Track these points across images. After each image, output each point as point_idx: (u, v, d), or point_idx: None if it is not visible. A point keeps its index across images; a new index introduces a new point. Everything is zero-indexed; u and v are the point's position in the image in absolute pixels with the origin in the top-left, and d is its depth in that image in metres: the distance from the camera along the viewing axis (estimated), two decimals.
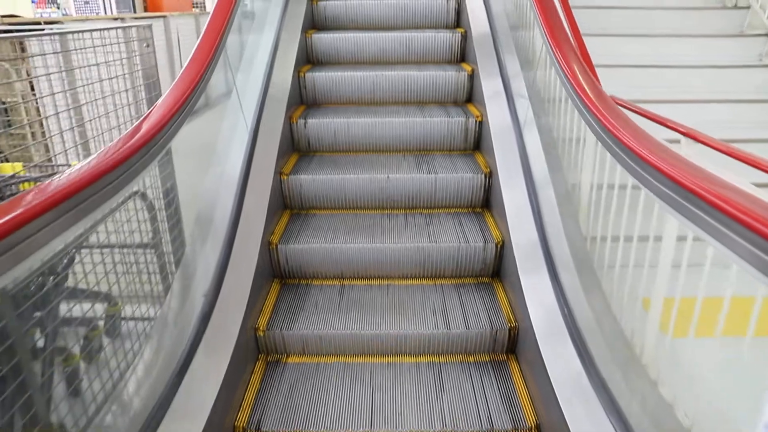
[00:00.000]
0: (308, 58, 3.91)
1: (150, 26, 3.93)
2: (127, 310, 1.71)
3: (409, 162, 3.12)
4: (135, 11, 8.26)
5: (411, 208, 3.01)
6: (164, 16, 6.40)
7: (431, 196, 2.98)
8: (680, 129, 2.27)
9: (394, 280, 2.69)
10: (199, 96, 1.99)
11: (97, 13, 7.55)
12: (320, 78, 3.57)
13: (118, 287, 1.62)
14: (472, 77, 3.57)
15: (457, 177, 2.93)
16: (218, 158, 2.60)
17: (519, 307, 2.29)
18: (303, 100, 3.63)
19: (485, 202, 3.00)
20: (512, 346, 2.35)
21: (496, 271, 2.69)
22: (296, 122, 3.24)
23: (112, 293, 1.62)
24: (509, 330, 2.30)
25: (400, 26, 4.14)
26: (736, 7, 4.62)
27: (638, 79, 4.02)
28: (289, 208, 3.01)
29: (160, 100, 1.79)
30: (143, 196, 1.77)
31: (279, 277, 2.69)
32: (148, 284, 1.81)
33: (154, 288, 1.86)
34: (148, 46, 3.80)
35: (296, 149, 3.33)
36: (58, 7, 7.92)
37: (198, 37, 2.45)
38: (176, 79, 1.95)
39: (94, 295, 1.50)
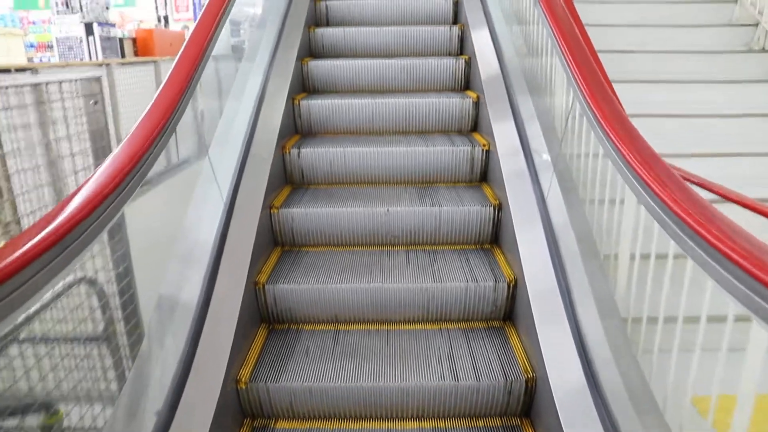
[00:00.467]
0: (304, 87, 3.72)
1: (99, 78, 3.56)
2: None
3: (410, 194, 2.88)
4: (123, 56, 8.12)
5: (413, 244, 2.76)
6: (154, 62, 6.23)
7: (435, 231, 2.72)
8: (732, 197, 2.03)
9: (394, 324, 2.41)
10: (152, 162, 1.62)
11: (81, 59, 7.36)
12: (316, 106, 3.36)
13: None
14: (478, 104, 3.36)
15: (463, 210, 2.69)
16: (200, 190, 2.36)
17: (535, 356, 2.01)
18: (298, 130, 3.42)
19: (494, 237, 2.74)
20: (527, 408, 2.05)
21: (508, 314, 2.41)
22: (289, 152, 3.02)
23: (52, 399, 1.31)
24: (526, 383, 2.01)
25: (401, 54, 3.96)
26: (764, 50, 4.30)
27: (663, 128, 3.50)
28: (279, 244, 2.75)
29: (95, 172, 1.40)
30: (91, 282, 1.48)
31: (266, 321, 2.42)
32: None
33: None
34: (96, 103, 3.33)
35: (289, 181, 3.10)
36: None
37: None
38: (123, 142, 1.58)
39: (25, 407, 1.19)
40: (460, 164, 3.05)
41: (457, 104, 3.35)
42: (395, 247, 2.73)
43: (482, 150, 3.02)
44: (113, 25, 9.11)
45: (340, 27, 4.04)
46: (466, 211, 2.69)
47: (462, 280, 2.37)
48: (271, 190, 2.75)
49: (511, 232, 2.43)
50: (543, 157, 2.57)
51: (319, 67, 3.68)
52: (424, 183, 3.10)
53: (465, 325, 2.41)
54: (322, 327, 2.40)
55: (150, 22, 14.56)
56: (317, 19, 4.30)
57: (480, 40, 3.59)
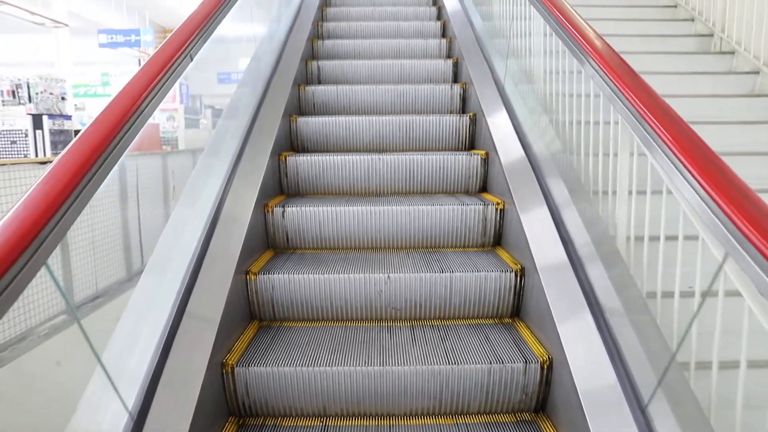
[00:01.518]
0: (292, 146, 3.36)
1: None
2: None
3: (414, 260, 2.45)
4: None
5: (419, 318, 2.29)
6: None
7: (445, 302, 2.26)
8: None
9: (398, 418, 1.90)
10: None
11: (26, 155, 6.51)
12: (305, 162, 2.98)
13: None
14: (486, 162, 2.99)
15: (478, 277, 2.24)
16: (160, 250, 1.92)
17: None
18: (284, 189, 3.02)
19: (515, 309, 2.28)
20: None
21: (541, 404, 1.91)
22: (272, 210, 2.60)
23: None
24: None
25: (399, 113, 3.65)
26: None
27: None
28: (256, 318, 2.27)
29: None
30: None
31: (236, 415, 1.90)
32: None
33: None
34: None
35: (271, 245, 2.66)
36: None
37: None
38: None
39: None
40: (470, 225, 2.63)
41: (463, 161, 2.99)
42: (397, 322, 2.26)
43: (496, 209, 2.62)
44: (68, 117, 8.28)
45: (332, 85, 3.74)
46: (481, 277, 2.24)
47: (483, 361, 1.89)
48: (249, 254, 2.31)
49: (541, 303, 1.98)
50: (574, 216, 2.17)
51: (308, 123, 3.34)
52: (429, 248, 2.67)
53: (488, 418, 1.90)
54: (306, 422, 1.88)
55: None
56: (308, 78, 4.03)
57: (485, 98, 3.28)
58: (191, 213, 2.16)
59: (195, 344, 1.72)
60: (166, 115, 14.31)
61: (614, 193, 1.84)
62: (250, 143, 2.77)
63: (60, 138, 7.11)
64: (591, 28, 2.06)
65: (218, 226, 2.20)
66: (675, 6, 5.10)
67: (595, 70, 1.88)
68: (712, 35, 4.49)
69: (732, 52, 4.17)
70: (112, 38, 12.15)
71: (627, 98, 1.66)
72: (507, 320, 2.27)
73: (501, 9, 3.46)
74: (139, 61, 14.39)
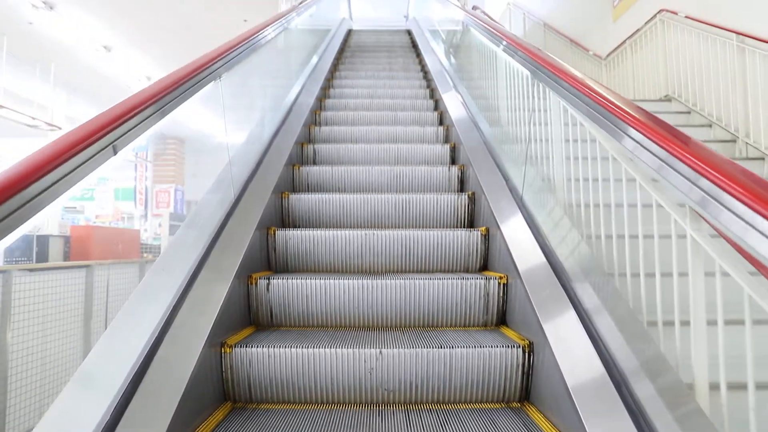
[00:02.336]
0: (283, 222, 3.20)
1: None
2: None
3: (409, 338, 2.21)
4: (34, 260, 6.42)
5: (415, 402, 2.01)
6: (87, 266, 4.95)
7: (445, 382, 2.00)
8: None
9: None
10: None
11: None
12: (295, 237, 2.81)
13: None
14: (487, 239, 2.82)
15: (481, 353, 2.00)
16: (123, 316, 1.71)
17: None
18: (271, 265, 2.83)
19: (525, 392, 2.01)
20: None
21: None
22: (256, 283, 2.39)
23: None
24: None
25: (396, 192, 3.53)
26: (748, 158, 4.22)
27: None
28: (230, 399, 1.99)
29: None
30: None
31: None
32: None
33: None
34: None
35: (254, 321, 2.42)
36: None
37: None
38: None
39: None
40: (471, 302, 2.42)
41: (462, 238, 2.82)
42: (390, 406, 1.98)
43: (498, 284, 2.42)
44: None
45: (327, 165, 3.66)
46: (485, 354, 1.99)
47: None
48: (225, 327, 2.08)
49: (556, 384, 1.72)
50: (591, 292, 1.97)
51: (301, 200, 3.21)
52: (427, 327, 2.44)
53: None
54: None
55: (109, 218, 13.39)
56: (304, 160, 3.97)
57: (488, 184, 3.16)
58: (158, 285, 1.96)
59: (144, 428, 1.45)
60: (156, 221, 14.05)
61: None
62: (234, 216, 2.62)
63: (17, 244, 6.81)
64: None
65: (188, 297, 1.98)
66: (689, 112, 5.23)
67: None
68: (734, 141, 4.57)
69: (762, 158, 4.23)
70: None
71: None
72: (515, 404, 1.99)
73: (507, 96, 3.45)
74: (135, 166, 14.27)
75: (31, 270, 4.48)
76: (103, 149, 1.46)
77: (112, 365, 1.58)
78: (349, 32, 9.32)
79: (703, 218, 1.29)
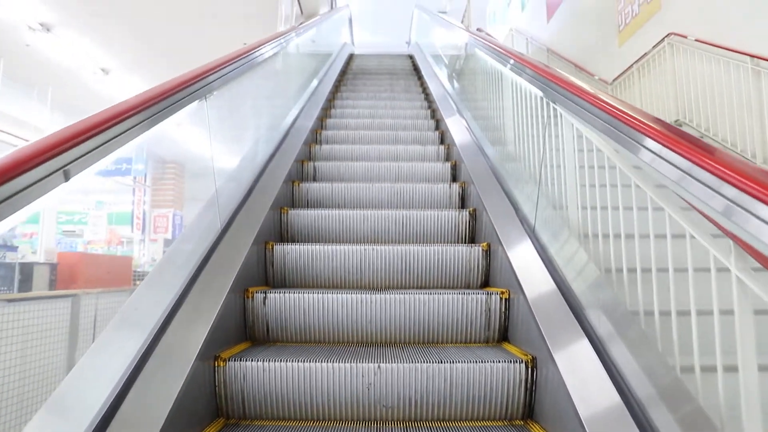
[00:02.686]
0: (282, 238, 3.16)
1: None
2: None
3: (409, 354, 2.14)
4: (15, 290, 5.95)
5: (414, 419, 1.94)
6: (72, 295, 4.63)
7: (445, 398, 1.93)
8: None
9: None
10: None
11: None
12: (294, 252, 2.77)
13: None
14: (489, 254, 2.78)
15: (483, 368, 1.94)
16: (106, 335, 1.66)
17: None
18: (268, 280, 2.78)
19: (528, 409, 1.94)
20: None
21: None
22: (252, 297, 2.34)
23: None
24: None
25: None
26: None
27: None
28: (223, 415, 1.93)
29: None
30: None
31: None
32: None
33: None
34: None
35: (249, 337, 2.36)
36: None
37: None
38: None
39: None
40: (472, 317, 2.36)
41: (463, 253, 2.78)
42: (389, 423, 1.91)
43: (500, 298, 2.36)
44: (14, 249, 7.78)
45: (328, 182, 3.63)
46: (486, 369, 1.93)
47: None
48: (219, 342, 2.02)
49: (562, 399, 1.66)
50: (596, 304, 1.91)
51: (300, 216, 3.17)
52: (427, 343, 2.38)
53: None
54: None
55: (102, 244, 12.79)
56: (304, 176, 3.94)
57: (490, 198, 3.13)
58: (148, 300, 1.91)
59: None
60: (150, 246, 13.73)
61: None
62: (230, 230, 2.57)
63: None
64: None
65: (180, 311, 1.93)
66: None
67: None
68: None
69: None
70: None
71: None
72: (518, 422, 1.92)
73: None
74: (133, 191, 13.89)
75: (9, 300, 4.28)
76: (49, 174, 1.26)
77: (92, 386, 1.52)
78: (351, 56, 9.39)
79: (724, 230, 1.23)
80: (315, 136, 4.75)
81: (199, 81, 2.24)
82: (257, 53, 3.29)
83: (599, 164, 2.02)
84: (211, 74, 2.39)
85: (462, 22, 14.35)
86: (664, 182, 1.42)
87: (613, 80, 7.28)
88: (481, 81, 4.17)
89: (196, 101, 2.25)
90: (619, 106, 1.76)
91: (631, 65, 6.73)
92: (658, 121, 1.57)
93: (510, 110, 3.19)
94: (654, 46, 6.21)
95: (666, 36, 5.97)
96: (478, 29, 7.16)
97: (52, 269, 6.62)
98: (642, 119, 1.59)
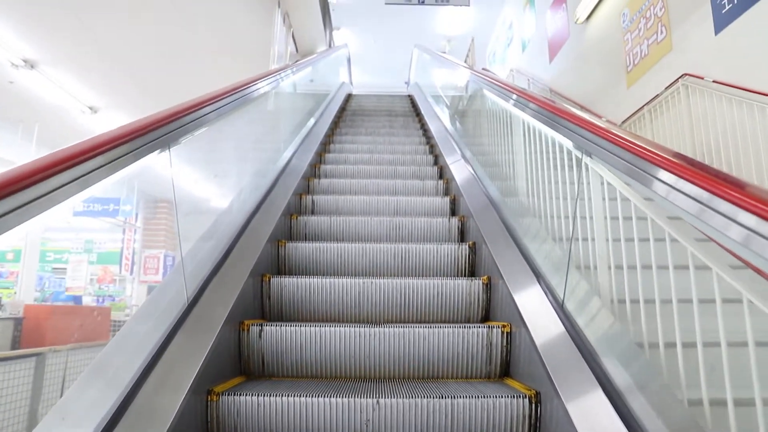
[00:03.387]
0: (279, 270, 3.12)
1: None
2: None
3: (408, 389, 2.08)
4: None
5: None
6: (38, 354, 4.22)
7: None
8: None
9: None
10: None
11: None
12: (290, 285, 2.72)
13: None
14: (489, 287, 2.73)
15: (485, 403, 1.87)
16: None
17: None
18: (265, 314, 2.72)
19: None
20: None
21: None
22: (248, 330, 2.28)
23: None
24: None
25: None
26: None
27: None
28: None
29: None
30: None
31: None
32: None
33: None
34: None
35: (244, 371, 2.29)
36: None
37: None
38: None
39: None
40: (473, 352, 2.30)
41: (463, 287, 2.73)
42: None
43: (501, 332, 2.31)
44: None
45: (326, 215, 3.61)
46: (489, 404, 1.87)
47: None
48: (213, 376, 1.96)
49: None
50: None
51: (298, 249, 3.13)
52: (427, 378, 2.31)
53: None
54: None
55: (81, 290, 11.51)
56: (301, 210, 3.92)
57: (487, 227, 3.10)
58: (139, 332, 1.86)
59: None
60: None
61: None
62: (227, 263, 2.53)
63: None
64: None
65: (172, 344, 1.87)
66: None
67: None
68: None
69: None
70: (89, 206, 10.69)
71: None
72: None
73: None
74: (124, 230, 12.98)
75: None
76: None
77: (81, 417, 1.46)
78: (349, 96, 9.37)
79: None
80: (306, 185, 4.51)
81: (154, 130, 1.81)
82: (239, 94, 2.91)
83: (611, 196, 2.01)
84: (173, 120, 1.97)
85: (465, 61, 14.37)
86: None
87: (623, 122, 6.87)
88: (486, 120, 4.00)
89: (155, 152, 1.86)
90: (614, 130, 1.74)
91: (642, 107, 6.36)
92: (672, 151, 1.45)
93: (522, 153, 3.03)
94: (667, 87, 5.85)
95: (680, 77, 5.63)
96: (483, 69, 7.21)
97: (16, 325, 6.02)
98: (648, 147, 1.55)
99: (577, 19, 8.37)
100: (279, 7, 7.82)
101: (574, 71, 8.95)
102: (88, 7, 6.92)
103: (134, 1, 6.95)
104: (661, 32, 6.24)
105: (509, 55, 13.04)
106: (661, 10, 6.29)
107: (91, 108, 9.67)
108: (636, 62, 6.86)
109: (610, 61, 7.51)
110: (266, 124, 4.12)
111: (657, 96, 6.06)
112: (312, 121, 6.00)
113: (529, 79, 10.67)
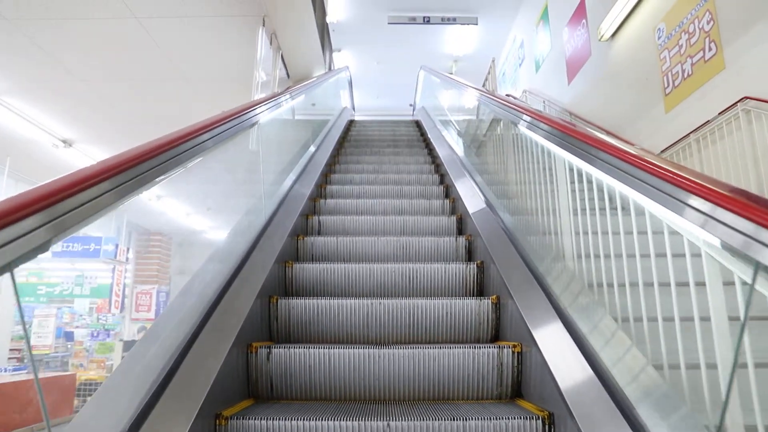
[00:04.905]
0: (286, 292, 3.10)
1: None
2: None
3: (419, 411, 2.05)
4: None
5: None
6: None
7: None
8: None
9: None
10: None
11: None
12: (298, 306, 2.70)
13: None
14: (498, 307, 2.71)
15: (497, 425, 1.84)
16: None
17: None
18: (272, 335, 2.70)
19: None
20: None
21: None
22: (256, 352, 2.26)
23: None
24: None
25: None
26: None
27: None
28: None
29: None
30: None
31: None
32: None
33: None
34: None
35: (252, 393, 2.27)
36: None
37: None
38: None
39: None
40: (484, 372, 2.27)
41: (472, 306, 2.71)
42: None
43: (512, 352, 2.28)
44: None
45: (332, 236, 3.60)
46: (501, 426, 1.84)
47: None
48: (221, 399, 1.93)
49: None
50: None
51: (305, 270, 3.12)
52: (437, 399, 2.28)
53: None
54: None
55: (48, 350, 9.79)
56: (307, 231, 3.92)
57: (495, 247, 3.09)
58: (147, 355, 1.85)
59: None
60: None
61: None
62: (234, 285, 2.51)
63: None
64: None
65: (181, 367, 1.86)
66: None
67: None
68: None
69: None
70: (67, 246, 9.89)
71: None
72: None
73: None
74: (114, 269, 11.34)
75: None
76: None
77: None
78: (350, 123, 8.73)
79: None
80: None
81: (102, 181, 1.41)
82: (207, 136, 2.24)
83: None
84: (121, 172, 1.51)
85: (483, 85, 13.37)
86: None
87: (662, 151, 5.81)
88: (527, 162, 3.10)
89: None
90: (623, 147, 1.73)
91: (688, 134, 5.42)
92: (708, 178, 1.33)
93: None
94: (721, 113, 4.93)
95: (739, 100, 4.73)
96: (507, 95, 6.60)
97: None
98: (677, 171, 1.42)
99: (601, 36, 7.43)
100: (263, 25, 6.87)
101: (598, 93, 7.93)
102: (57, 40, 6.71)
103: (104, 30, 6.65)
104: (710, 49, 5.31)
105: (521, 75, 12.01)
106: (708, 23, 5.33)
107: (65, 141, 9.14)
108: (676, 83, 5.87)
109: (642, 83, 6.55)
110: (244, 170, 3.49)
111: (708, 122, 5.14)
112: (312, 148, 5.59)
113: (544, 101, 9.75)
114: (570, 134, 2.27)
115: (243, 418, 1.85)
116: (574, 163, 2.27)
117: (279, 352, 2.27)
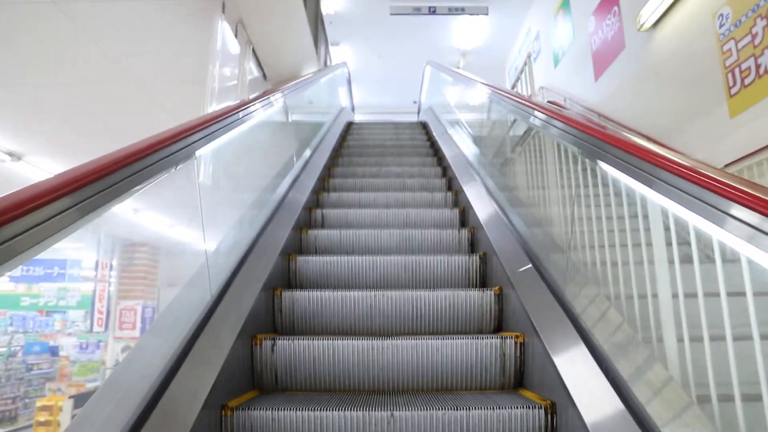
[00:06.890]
0: (290, 284, 3.12)
1: None
2: None
3: (423, 401, 2.07)
4: None
5: None
6: None
7: None
8: None
9: None
10: None
11: None
12: (302, 298, 2.72)
13: None
14: (501, 298, 2.72)
15: (500, 414, 1.86)
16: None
17: None
18: (276, 327, 2.72)
19: None
20: None
21: None
22: (260, 344, 2.28)
23: None
24: None
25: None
26: None
27: None
28: None
29: None
30: None
31: None
32: None
33: None
34: None
35: (257, 385, 2.29)
36: None
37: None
38: None
39: None
40: (487, 363, 2.29)
41: (475, 298, 2.72)
42: None
43: (515, 343, 2.30)
44: None
45: (336, 229, 3.62)
46: (504, 415, 1.86)
47: None
48: (226, 390, 1.96)
49: None
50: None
51: (309, 263, 3.14)
52: (441, 389, 2.30)
53: None
54: None
55: None
56: (311, 224, 3.93)
57: (498, 239, 3.09)
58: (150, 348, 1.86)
59: None
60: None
61: None
62: (237, 279, 2.52)
63: None
64: None
65: (187, 358, 1.87)
66: None
67: None
68: None
69: None
70: (27, 270, 9.20)
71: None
72: None
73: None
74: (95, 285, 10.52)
75: None
76: None
77: None
78: (349, 126, 8.09)
79: None
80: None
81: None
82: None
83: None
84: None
85: (513, 87, 11.71)
86: None
87: (727, 165, 4.65)
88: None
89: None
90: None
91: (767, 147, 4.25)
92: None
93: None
94: None
95: None
96: (549, 102, 5.60)
97: None
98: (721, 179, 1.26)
99: (641, 26, 6.16)
100: (223, 12, 5.31)
101: (635, 92, 6.61)
102: None
103: (42, 37, 5.44)
104: None
105: (537, 70, 10.67)
106: None
107: (11, 154, 8.10)
108: (746, 82, 4.56)
109: (696, 80, 5.29)
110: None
111: None
112: (308, 152, 5.05)
113: (565, 99, 8.47)
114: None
115: (248, 409, 1.87)
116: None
117: (283, 344, 2.29)
